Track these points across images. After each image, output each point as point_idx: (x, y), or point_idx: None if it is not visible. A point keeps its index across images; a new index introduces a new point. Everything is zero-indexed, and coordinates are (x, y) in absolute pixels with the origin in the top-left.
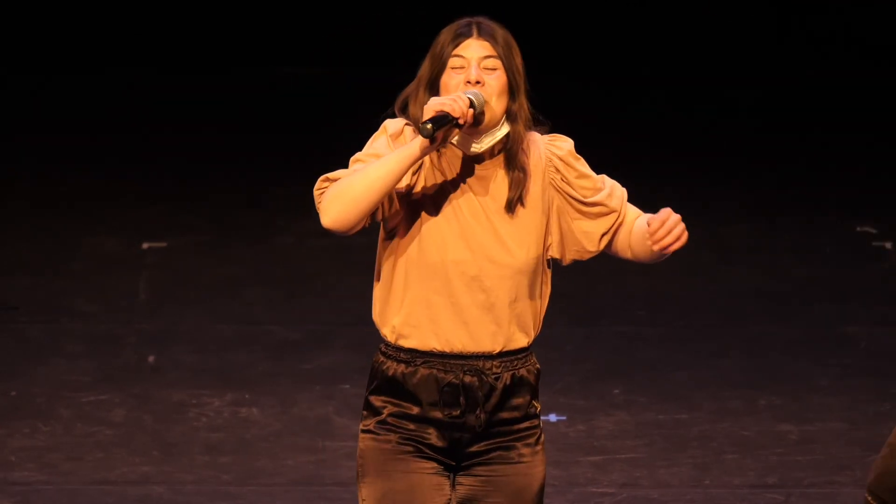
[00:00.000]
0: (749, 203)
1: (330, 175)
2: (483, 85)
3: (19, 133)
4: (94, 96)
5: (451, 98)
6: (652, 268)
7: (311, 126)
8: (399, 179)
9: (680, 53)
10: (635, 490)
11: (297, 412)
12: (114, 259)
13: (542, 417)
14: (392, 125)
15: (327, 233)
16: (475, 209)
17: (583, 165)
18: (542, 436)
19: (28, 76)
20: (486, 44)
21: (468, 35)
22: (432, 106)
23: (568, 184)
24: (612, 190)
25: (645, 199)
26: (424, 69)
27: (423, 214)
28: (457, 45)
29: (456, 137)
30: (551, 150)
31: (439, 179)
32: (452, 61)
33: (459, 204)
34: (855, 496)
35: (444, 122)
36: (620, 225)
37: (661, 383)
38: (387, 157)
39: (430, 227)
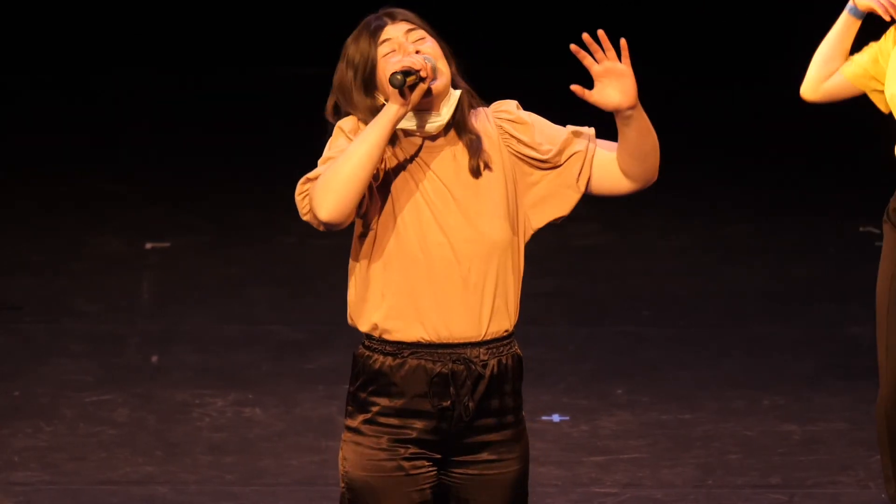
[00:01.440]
0: (752, 203)
1: (310, 175)
2: (421, 53)
3: (22, 133)
4: (97, 96)
5: (408, 58)
6: (655, 268)
7: (313, 126)
8: (383, 149)
9: (681, 51)
10: (638, 490)
11: (300, 412)
12: (116, 259)
13: (544, 417)
14: (346, 124)
15: (330, 233)
16: (441, 191)
17: (533, 118)
18: (525, 429)
19: (32, 76)
20: (404, 22)
21: (383, 25)
22: (392, 67)
23: (524, 144)
24: (574, 131)
25: (650, 199)
26: (345, 75)
27: (392, 206)
28: (378, 37)
29: (413, 122)
30: (499, 116)
31: (402, 169)
32: (381, 50)
33: (425, 189)
34: (858, 496)
35: (410, 73)
36: (592, 157)
37: (664, 383)
38: (365, 131)
39: (401, 217)
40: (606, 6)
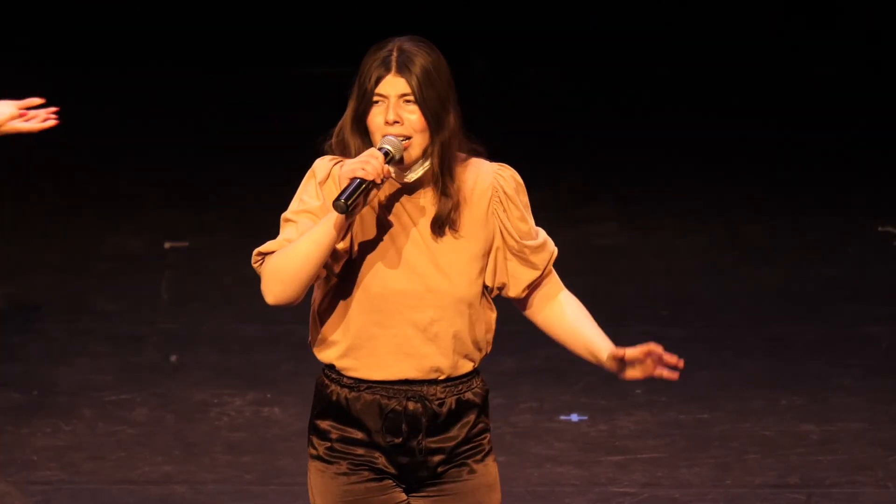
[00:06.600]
0: (771, 203)
1: (262, 249)
2: (402, 123)
3: (42, 133)
4: (118, 96)
5: (363, 161)
6: (674, 268)
7: (332, 126)
8: (330, 250)
9: (699, 51)
10: (657, 490)
11: None
12: (136, 258)
13: (562, 417)
14: (320, 170)
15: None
16: (415, 239)
17: (525, 207)
18: (491, 448)
19: (50, 75)
20: (402, 81)
21: (388, 70)
22: (345, 174)
23: (509, 220)
24: (543, 244)
25: (667, 199)
26: (353, 101)
27: (362, 245)
28: (378, 83)
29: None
30: (499, 181)
31: (377, 210)
32: (375, 98)
33: (398, 234)
34: (877, 496)
35: (358, 189)
36: (541, 283)
37: (682, 383)
38: (313, 231)
39: (369, 259)
40: (624, 6)
